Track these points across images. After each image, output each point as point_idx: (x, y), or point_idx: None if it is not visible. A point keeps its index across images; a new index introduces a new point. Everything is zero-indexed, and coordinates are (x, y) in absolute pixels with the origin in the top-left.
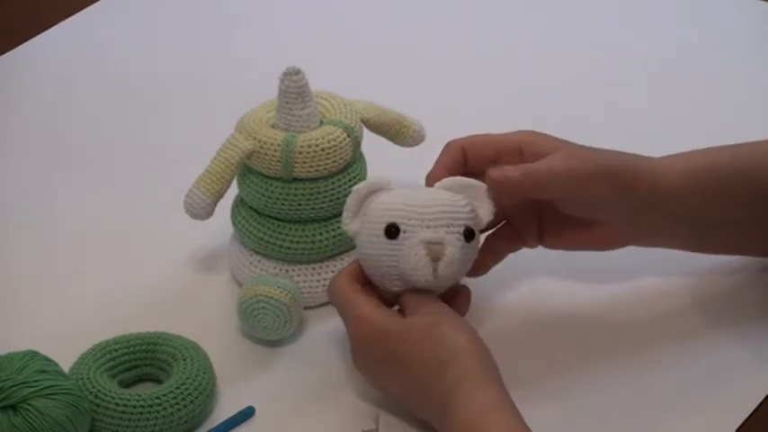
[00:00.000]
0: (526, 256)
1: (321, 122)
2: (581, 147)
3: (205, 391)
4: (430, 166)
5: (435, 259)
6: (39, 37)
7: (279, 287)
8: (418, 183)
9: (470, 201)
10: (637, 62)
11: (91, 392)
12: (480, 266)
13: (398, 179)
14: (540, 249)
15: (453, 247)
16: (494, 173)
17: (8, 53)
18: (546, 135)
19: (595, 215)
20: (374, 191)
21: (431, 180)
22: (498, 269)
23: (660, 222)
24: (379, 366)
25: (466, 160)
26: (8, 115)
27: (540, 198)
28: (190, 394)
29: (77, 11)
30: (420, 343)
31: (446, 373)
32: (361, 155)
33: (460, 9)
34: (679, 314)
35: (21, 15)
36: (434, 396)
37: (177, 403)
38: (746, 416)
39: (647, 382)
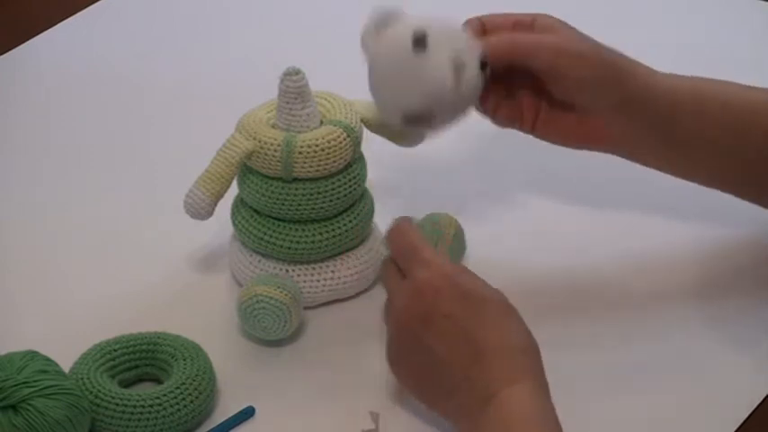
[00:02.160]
0: (523, 234)
1: (321, 122)
2: (585, 36)
3: (205, 391)
4: (430, 167)
5: (459, 71)
6: (39, 37)
7: (279, 287)
8: (419, 183)
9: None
10: None
11: (91, 392)
12: (509, 114)
13: (399, 179)
14: (534, 231)
15: (472, 68)
16: (487, 38)
17: (8, 53)
18: (559, 19)
19: (582, 100)
20: (393, 19)
21: None
22: (495, 247)
23: (640, 125)
24: (438, 323)
25: (485, 33)
26: (8, 115)
27: (529, 67)
28: (190, 394)
29: (77, 11)
30: (499, 321)
31: (516, 360)
32: (361, 155)
33: (461, 8)
34: (678, 314)
35: (21, 15)
36: (489, 375)
37: (177, 403)
38: (746, 416)
39: (646, 382)
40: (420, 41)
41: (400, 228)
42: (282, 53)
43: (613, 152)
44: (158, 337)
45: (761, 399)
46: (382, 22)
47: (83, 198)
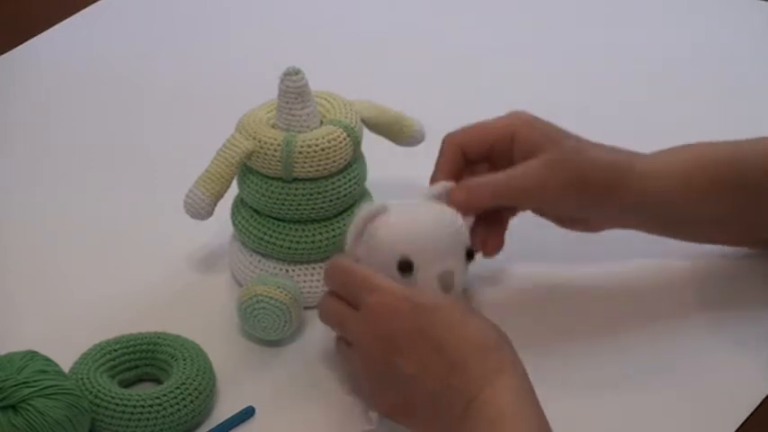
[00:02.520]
0: (521, 242)
1: (321, 122)
2: (565, 150)
3: (205, 391)
4: (430, 167)
5: (447, 288)
6: (39, 37)
7: (279, 287)
8: (419, 183)
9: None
10: (636, 62)
11: (91, 392)
12: (497, 244)
13: (399, 179)
14: (534, 238)
15: (460, 273)
16: (457, 192)
17: (8, 53)
18: (538, 126)
19: (573, 218)
20: (375, 216)
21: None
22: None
23: (645, 223)
24: (402, 343)
25: (464, 156)
26: (8, 115)
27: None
28: (190, 394)
29: (77, 11)
30: (462, 323)
31: (489, 357)
32: (361, 155)
33: (461, 8)
34: (679, 314)
35: (21, 15)
36: (467, 378)
37: (177, 403)
38: (746, 416)
39: (646, 382)
40: (406, 267)
41: (339, 264)
42: (282, 53)
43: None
44: (158, 337)
45: (761, 399)
46: (364, 228)
47: (83, 198)
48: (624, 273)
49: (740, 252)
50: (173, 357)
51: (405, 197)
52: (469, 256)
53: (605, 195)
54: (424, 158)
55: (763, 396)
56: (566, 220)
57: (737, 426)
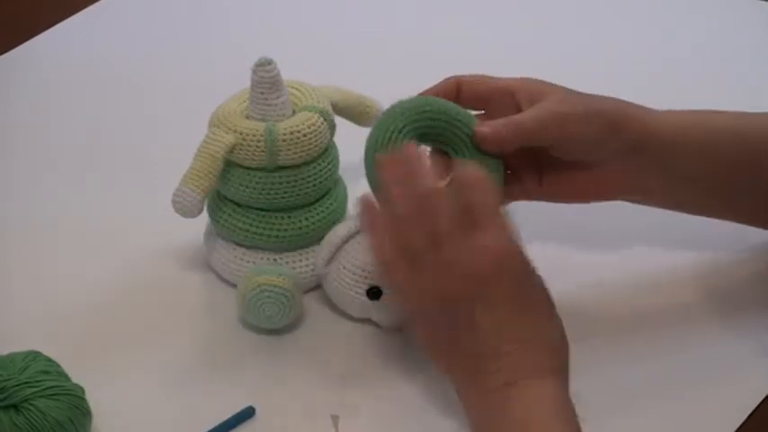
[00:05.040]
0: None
1: (293, 110)
2: (570, 91)
3: None
4: None
5: None
6: (39, 37)
7: (280, 275)
8: None
9: None
10: (636, 62)
11: None
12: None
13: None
14: (541, 241)
15: None
16: (483, 128)
17: (8, 53)
18: (538, 81)
19: (587, 156)
20: (349, 237)
21: None
22: None
23: (648, 169)
24: (496, 291)
25: (459, 94)
26: (8, 115)
27: (532, 146)
28: None
29: (77, 11)
30: (551, 308)
31: (554, 355)
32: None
33: (461, 8)
34: (679, 312)
35: (21, 15)
36: (524, 361)
37: None
38: (746, 416)
39: (645, 382)
40: (374, 295)
41: (481, 179)
42: (283, 53)
43: (625, 199)
44: None
45: (761, 399)
46: (340, 247)
47: (83, 198)
48: (623, 270)
49: (742, 248)
50: None
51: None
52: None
53: (614, 127)
54: None
55: (763, 396)
56: (570, 165)
57: (737, 426)
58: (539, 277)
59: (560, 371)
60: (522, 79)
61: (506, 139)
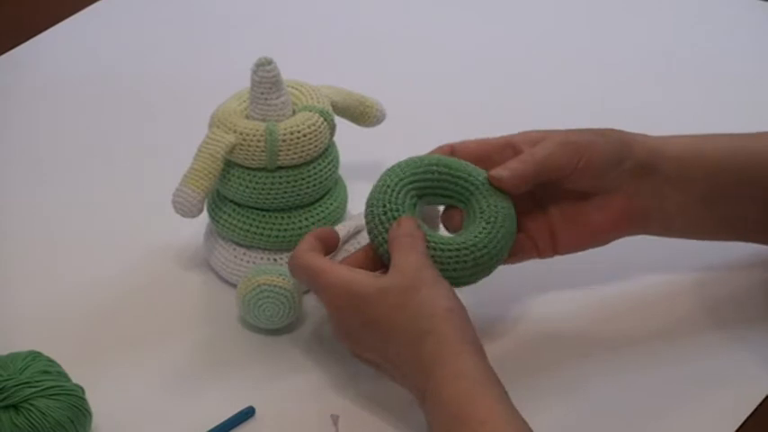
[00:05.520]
0: (522, 267)
1: (293, 110)
2: (570, 129)
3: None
4: (394, 148)
5: None
6: (39, 37)
7: (280, 275)
8: (386, 164)
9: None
10: (636, 62)
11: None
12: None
13: (367, 162)
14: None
15: None
16: (498, 170)
17: (8, 53)
18: (536, 130)
19: (601, 181)
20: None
21: None
22: (499, 276)
23: (662, 188)
24: (360, 334)
25: (453, 155)
26: (8, 115)
27: (549, 179)
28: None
29: (77, 11)
30: (398, 309)
31: (427, 341)
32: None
33: (461, 8)
34: (679, 315)
35: (21, 15)
36: (416, 366)
37: None
38: (746, 416)
39: (646, 383)
40: None
41: (294, 264)
42: (283, 53)
43: (645, 231)
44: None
45: (761, 399)
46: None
47: (83, 198)
48: (625, 275)
49: (741, 253)
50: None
51: (371, 179)
52: None
53: (625, 143)
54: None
55: (763, 396)
56: (583, 198)
57: (737, 426)
58: (372, 286)
59: (442, 355)
60: (519, 132)
61: (523, 174)
